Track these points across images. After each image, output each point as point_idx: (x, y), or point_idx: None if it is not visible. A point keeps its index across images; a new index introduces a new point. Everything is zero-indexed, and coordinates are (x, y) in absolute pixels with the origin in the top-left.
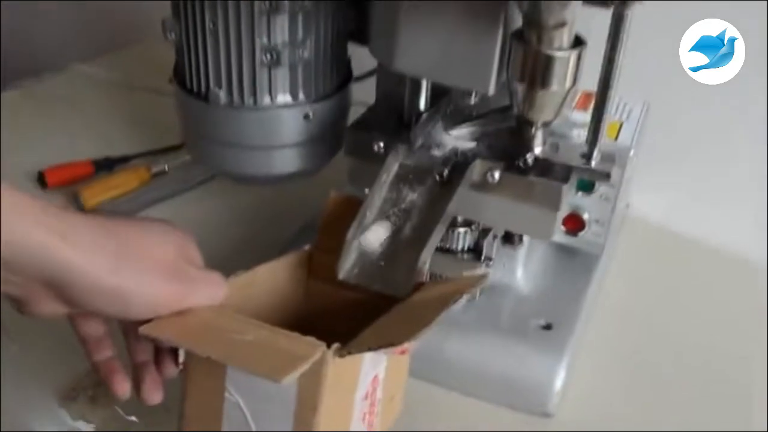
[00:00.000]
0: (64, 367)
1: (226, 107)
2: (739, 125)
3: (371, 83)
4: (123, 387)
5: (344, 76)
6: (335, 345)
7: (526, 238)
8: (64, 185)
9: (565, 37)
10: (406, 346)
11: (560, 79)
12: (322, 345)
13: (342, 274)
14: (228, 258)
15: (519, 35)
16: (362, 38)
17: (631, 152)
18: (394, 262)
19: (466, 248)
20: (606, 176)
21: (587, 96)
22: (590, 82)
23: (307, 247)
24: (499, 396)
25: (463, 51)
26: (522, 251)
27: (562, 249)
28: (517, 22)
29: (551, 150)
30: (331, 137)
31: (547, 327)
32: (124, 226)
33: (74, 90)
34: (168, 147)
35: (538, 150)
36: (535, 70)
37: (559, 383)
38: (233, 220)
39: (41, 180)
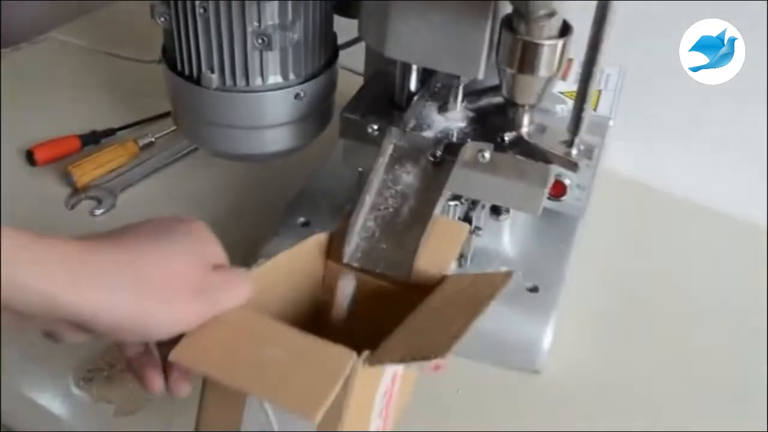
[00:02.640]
0: (78, 350)
1: (218, 90)
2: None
3: (355, 49)
4: (157, 383)
5: (332, 52)
6: (365, 354)
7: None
8: (53, 161)
9: (552, 26)
10: (440, 361)
11: (547, 66)
12: (353, 355)
13: (346, 258)
14: (223, 227)
15: (508, 23)
16: (348, 12)
17: (610, 122)
18: (395, 244)
19: (456, 219)
20: (573, 167)
21: (568, 62)
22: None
23: (325, 232)
24: (491, 355)
25: (454, 38)
26: (508, 219)
27: (545, 213)
28: (506, 7)
29: (537, 131)
30: (321, 113)
31: (534, 289)
32: (142, 249)
33: (53, 60)
34: (152, 117)
35: (525, 129)
36: (523, 58)
37: (546, 342)
38: (224, 189)
39: (30, 158)
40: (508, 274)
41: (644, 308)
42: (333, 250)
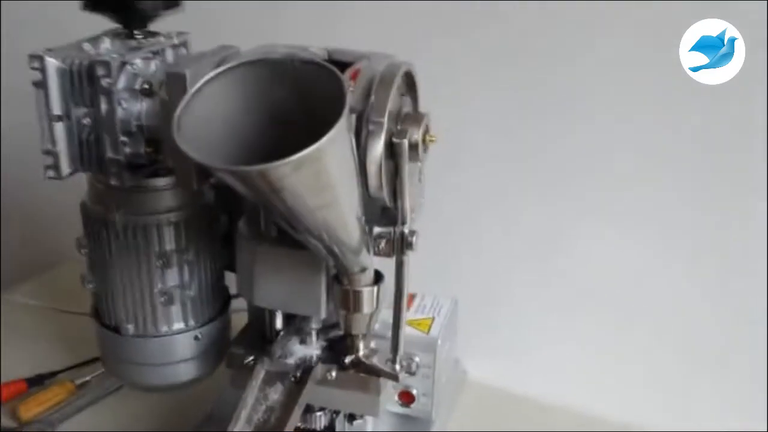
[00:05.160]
0: None
1: (133, 336)
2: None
3: None
4: None
5: (224, 299)
6: None
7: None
8: (4, 402)
9: (367, 276)
10: None
11: (368, 305)
12: None
13: None
14: None
15: (336, 277)
16: (235, 268)
17: (438, 341)
18: None
19: (323, 427)
20: (395, 378)
21: (410, 297)
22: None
23: None
24: None
25: (300, 290)
26: (369, 424)
27: (403, 417)
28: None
29: (371, 353)
30: (218, 349)
31: None
32: None
33: (4, 316)
34: (89, 360)
35: (361, 352)
36: (350, 302)
37: None
38: (148, 417)
39: None
40: None
41: None
42: None
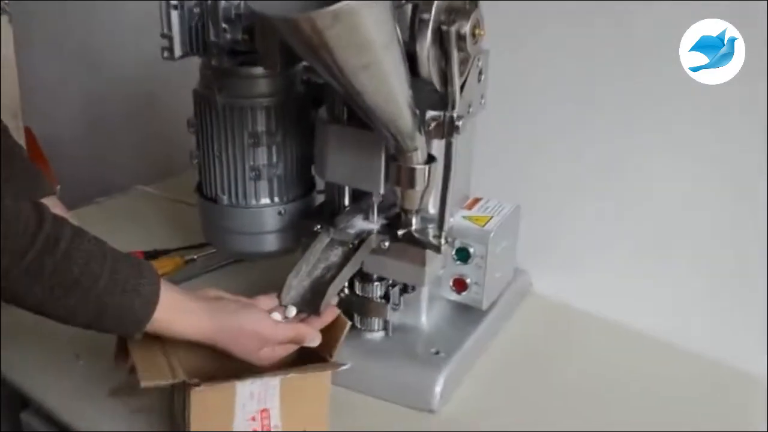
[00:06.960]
0: (112, 376)
1: (227, 206)
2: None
3: None
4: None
5: (308, 186)
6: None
7: (419, 290)
8: None
9: (419, 156)
10: None
11: (419, 183)
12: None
13: (284, 301)
14: None
15: (393, 157)
16: None
17: (491, 234)
18: (315, 293)
19: (380, 296)
20: (436, 249)
21: (475, 200)
22: (477, 189)
23: None
24: (400, 397)
25: (363, 167)
26: (424, 303)
27: (455, 304)
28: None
29: (422, 228)
30: (299, 226)
31: (437, 353)
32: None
33: (136, 204)
34: (199, 244)
35: (413, 227)
36: (404, 178)
37: (438, 387)
38: (236, 290)
39: None
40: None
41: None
42: None
